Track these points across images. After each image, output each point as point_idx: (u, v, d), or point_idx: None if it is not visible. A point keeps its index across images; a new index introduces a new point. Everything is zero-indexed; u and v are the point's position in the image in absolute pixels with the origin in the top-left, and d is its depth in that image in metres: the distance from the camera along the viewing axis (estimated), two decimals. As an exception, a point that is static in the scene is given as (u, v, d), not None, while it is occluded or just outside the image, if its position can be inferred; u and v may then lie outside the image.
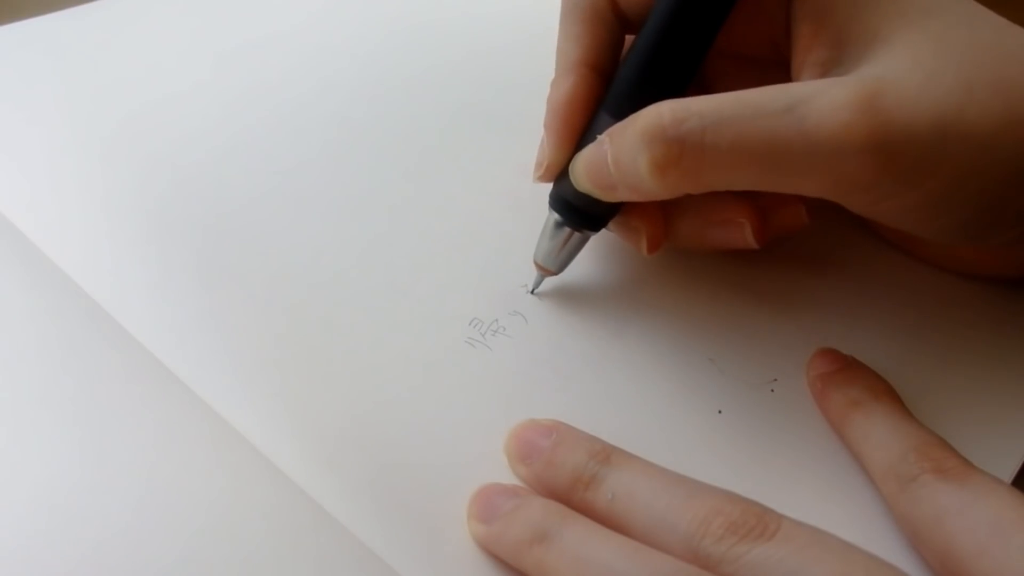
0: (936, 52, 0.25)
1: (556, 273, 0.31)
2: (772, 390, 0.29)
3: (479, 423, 0.28)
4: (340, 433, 0.27)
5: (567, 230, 0.30)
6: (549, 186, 0.30)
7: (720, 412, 0.29)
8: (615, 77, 0.29)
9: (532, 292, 0.31)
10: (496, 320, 0.31)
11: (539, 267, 0.31)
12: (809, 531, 0.23)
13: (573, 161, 0.29)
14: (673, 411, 0.29)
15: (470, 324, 0.30)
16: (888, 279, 0.32)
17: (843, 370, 0.29)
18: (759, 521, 0.23)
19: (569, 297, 0.31)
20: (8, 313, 0.29)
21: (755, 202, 0.30)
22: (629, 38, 0.31)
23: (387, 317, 0.30)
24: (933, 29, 0.26)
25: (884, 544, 0.25)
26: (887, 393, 0.28)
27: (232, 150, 0.35)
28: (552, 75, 0.30)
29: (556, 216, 0.30)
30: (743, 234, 0.29)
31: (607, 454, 0.26)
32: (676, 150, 0.25)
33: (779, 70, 0.29)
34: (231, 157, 0.35)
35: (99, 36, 0.39)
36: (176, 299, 0.30)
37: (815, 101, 0.25)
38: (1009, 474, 0.27)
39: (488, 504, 0.25)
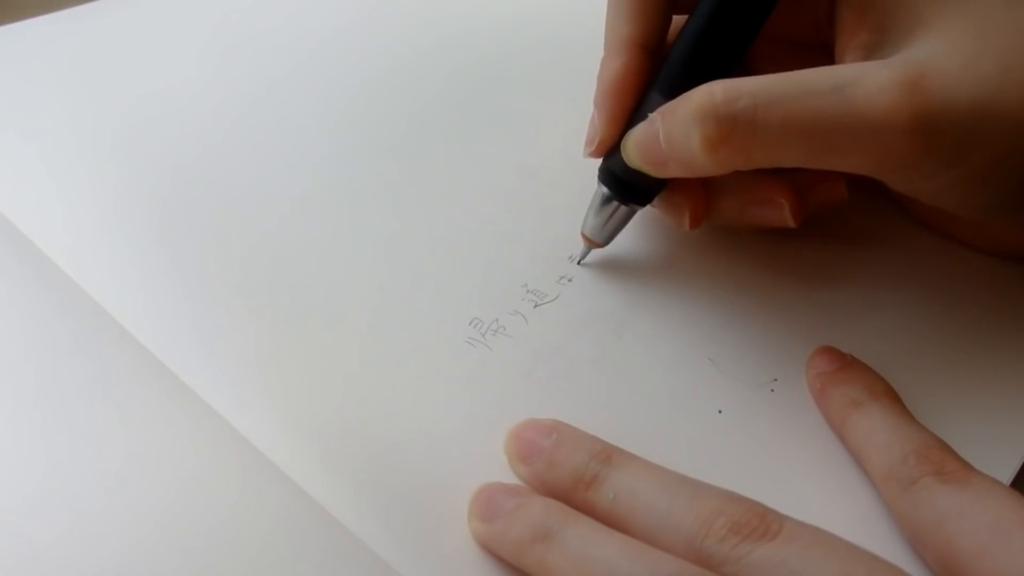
0: (976, 36, 0.26)
1: (602, 245, 0.32)
2: (772, 390, 0.29)
3: (479, 423, 0.28)
4: (340, 433, 0.27)
5: (614, 204, 0.31)
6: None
7: (720, 412, 0.29)
8: (666, 57, 0.30)
9: (579, 263, 0.32)
10: (496, 320, 0.31)
11: (586, 239, 0.32)
12: (812, 531, 0.23)
13: (625, 138, 0.30)
14: (673, 411, 0.29)
15: (470, 324, 0.30)
16: (887, 282, 0.32)
17: (842, 369, 0.29)
18: (761, 521, 0.23)
19: (569, 298, 0.31)
20: (7, 313, 0.29)
21: (794, 180, 0.31)
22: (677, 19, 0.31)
23: (387, 317, 0.30)
24: (973, 13, 0.27)
25: (885, 544, 0.25)
26: (886, 393, 0.28)
27: (232, 149, 0.35)
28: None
29: (605, 190, 0.31)
30: (782, 214, 0.31)
31: (608, 454, 0.26)
32: (728, 127, 0.26)
33: (820, 53, 0.30)
34: (231, 156, 0.35)
35: (99, 36, 0.39)
36: (176, 299, 0.30)
37: (862, 82, 0.26)
38: (1008, 475, 0.27)
39: (489, 503, 0.25)
